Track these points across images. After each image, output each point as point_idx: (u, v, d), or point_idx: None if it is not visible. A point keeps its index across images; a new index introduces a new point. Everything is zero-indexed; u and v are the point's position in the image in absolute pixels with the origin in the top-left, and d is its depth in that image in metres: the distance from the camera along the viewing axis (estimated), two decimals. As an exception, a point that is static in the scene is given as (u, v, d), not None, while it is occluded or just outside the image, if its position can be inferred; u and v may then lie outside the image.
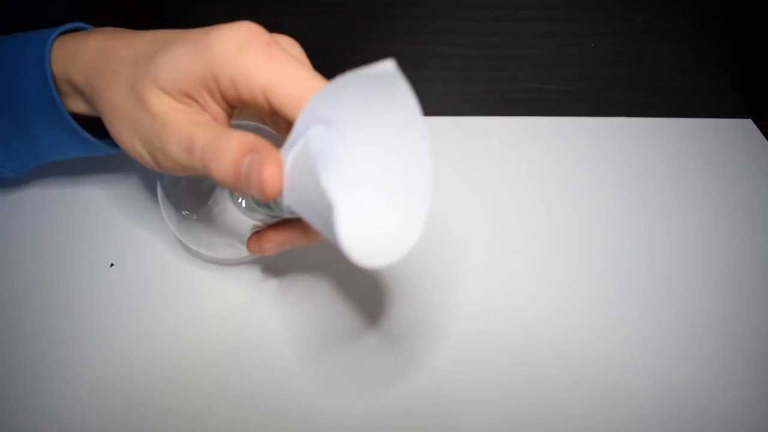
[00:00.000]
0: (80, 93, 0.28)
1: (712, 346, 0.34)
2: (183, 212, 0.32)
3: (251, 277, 0.37)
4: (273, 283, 0.36)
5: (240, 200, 0.30)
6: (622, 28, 0.44)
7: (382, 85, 0.20)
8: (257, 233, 0.29)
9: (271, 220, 0.29)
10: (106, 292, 0.35)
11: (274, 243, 0.29)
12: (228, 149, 0.22)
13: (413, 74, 0.53)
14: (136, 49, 0.26)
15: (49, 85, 0.29)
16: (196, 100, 0.24)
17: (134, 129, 0.25)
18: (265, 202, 0.27)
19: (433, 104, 0.49)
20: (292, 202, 0.22)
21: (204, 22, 0.26)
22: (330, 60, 0.46)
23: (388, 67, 0.19)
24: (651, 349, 0.34)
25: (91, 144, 0.31)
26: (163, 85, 0.24)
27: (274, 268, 0.37)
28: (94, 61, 0.27)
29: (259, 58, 0.23)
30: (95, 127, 0.31)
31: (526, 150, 0.47)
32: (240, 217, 0.31)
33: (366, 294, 0.36)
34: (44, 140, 0.32)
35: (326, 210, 0.19)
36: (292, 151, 0.22)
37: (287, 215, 0.28)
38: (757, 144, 0.48)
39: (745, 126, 0.50)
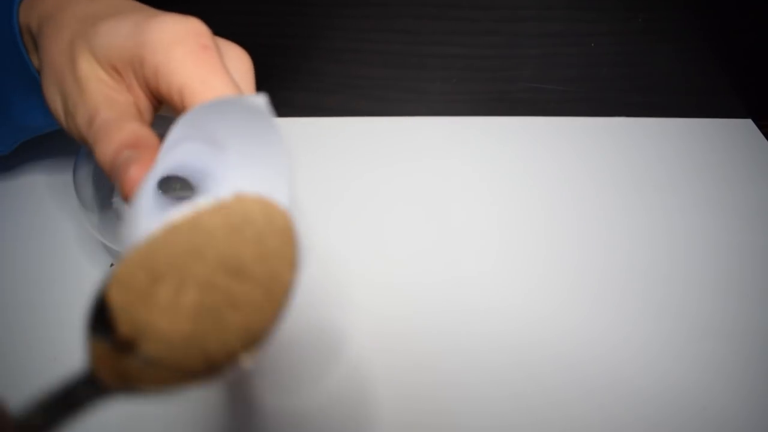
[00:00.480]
0: (34, 42, 0.28)
1: (712, 345, 0.34)
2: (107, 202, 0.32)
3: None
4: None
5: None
6: (622, 28, 0.44)
7: (253, 112, 0.20)
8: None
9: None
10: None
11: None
12: (116, 136, 0.22)
13: (413, 74, 0.53)
14: (91, 9, 0.25)
15: (15, 37, 0.28)
16: (122, 76, 0.24)
17: (59, 86, 0.24)
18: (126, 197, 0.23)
19: (432, 104, 0.49)
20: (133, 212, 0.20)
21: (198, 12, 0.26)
22: (330, 60, 0.46)
23: (259, 101, 0.20)
24: (650, 349, 0.34)
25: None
26: (95, 52, 0.24)
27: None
28: (51, 10, 0.26)
29: (188, 57, 0.22)
30: None
31: (526, 150, 0.47)
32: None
33: (364, 293, 0.36)
34: (16, 105, 0.31)
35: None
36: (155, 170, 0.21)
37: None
38: (757, 144, 0.48)
39: (745, 126, 0.50)
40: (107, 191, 0.32)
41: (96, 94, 0.23)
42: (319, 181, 0.43)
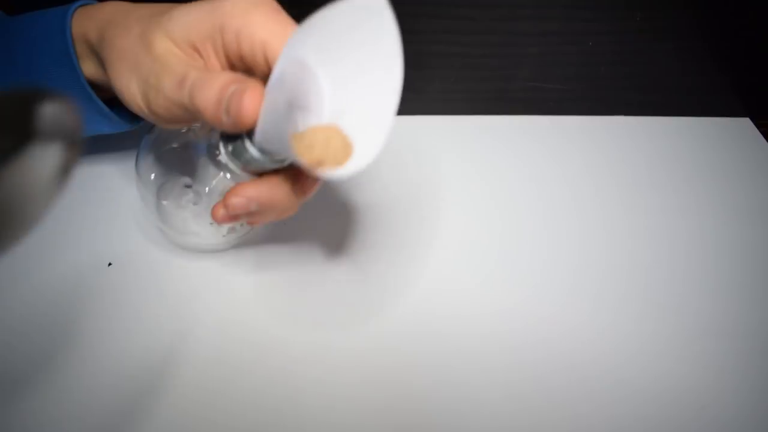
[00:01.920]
0: (92, 49, 0.29)
1: (712, 345, 0.34)
2: (162, 201, 0.33)
3: (251, 276, 0.37)
4: (274, 283, 0.36)
5: (217, 152, 0.28)
6: (620, 27, 0.44)
7: (365, 17, 0.23)
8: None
9: (244, 178, 0.28)
10: (104, 291, 0.35)
11: (243, 199, 0.27)
12: (216, 81, 0.24)
13: (411, 73, 0.53)
14: (153, 9, 0.27)
15: (68, 48, 0.30)
16: (200, 54, 0.26)
17: (134, 70, 0.26)
18: (240, 131, 0.25)
19: (431, 103, 0.49)
20: (265, 137, 0.24)
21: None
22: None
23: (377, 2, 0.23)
24: (650, 349, 0.34)
25: (103, 113, 0.32)
26: (172, 34, 0.26)
27: (275, 266, 0.37)
28: (111, 17, 0.29)
29: (265, 17, 0.25)
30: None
31: (524, 149, 0.47)
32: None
33: (364, 292, 0.36)
34: None
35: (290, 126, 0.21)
36: (268, 86, 0.23)
37: (268, 164, 0.26)
38: (755, 142, 0.48)
39: (743, 124, 0.50)
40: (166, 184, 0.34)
41: (179, 64, 0.25)
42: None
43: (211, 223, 0.35)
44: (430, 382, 0.32)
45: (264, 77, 0.29)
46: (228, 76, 0.24)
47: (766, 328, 0.35)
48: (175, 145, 0.33)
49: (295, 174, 0.27)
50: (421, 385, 0.32)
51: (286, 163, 0.26)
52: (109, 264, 0.37)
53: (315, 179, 0.27)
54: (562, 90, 0.48)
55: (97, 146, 0.44)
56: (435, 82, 0.47)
